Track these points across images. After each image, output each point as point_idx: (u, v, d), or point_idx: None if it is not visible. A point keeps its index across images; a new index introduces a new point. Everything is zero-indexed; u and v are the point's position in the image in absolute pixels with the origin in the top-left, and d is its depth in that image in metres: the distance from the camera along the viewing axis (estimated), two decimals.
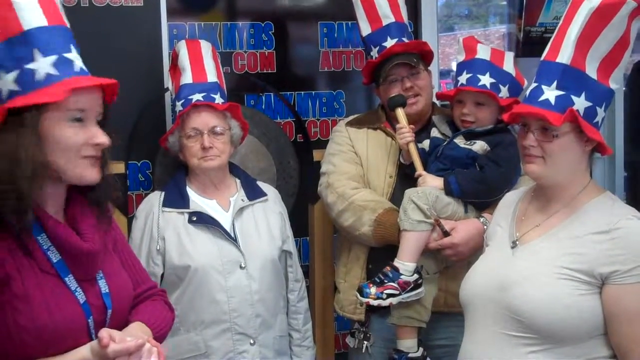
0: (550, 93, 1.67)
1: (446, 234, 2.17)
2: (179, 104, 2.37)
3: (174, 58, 2.53)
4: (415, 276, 2.14)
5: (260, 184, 2.51)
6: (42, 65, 1.43)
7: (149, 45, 2.83)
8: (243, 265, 2.29)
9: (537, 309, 1.63)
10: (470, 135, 2.26)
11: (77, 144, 1.49)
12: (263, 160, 2.78)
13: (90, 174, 1.52)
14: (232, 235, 2.32)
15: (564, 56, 1.67)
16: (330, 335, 2.87)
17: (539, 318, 1.63)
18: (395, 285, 2.10)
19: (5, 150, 1.40)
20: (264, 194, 2.46)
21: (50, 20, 1.46)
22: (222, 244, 2.30)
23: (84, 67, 1.51)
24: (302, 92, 3.12)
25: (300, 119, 3.02)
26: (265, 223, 2.40)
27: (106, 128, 1.56)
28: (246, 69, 3.00)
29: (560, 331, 1.62)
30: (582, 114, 1.65)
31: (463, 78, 2.26)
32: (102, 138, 1.52)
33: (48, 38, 1.45)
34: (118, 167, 2.55)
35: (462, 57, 2.32)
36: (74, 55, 1.49)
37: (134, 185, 2.84)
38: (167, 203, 2.34)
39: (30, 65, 1.42)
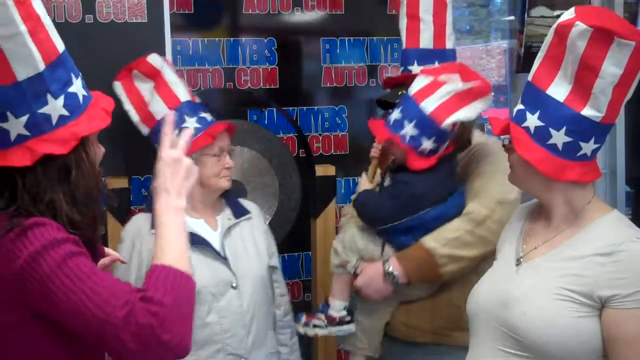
0: (517, 106, 1.68)
1: (356, 275, 2.21)
2: (192, 120, 2.30)
3: (150, 71, 2.45)
4: (343, 313, 2.22)
5: (242, 201, 2.48)
6: (79, 87, 1.45)
7: None
8: (235, 285, 2.25)
9: (535, 329, 1.60)
10: (393, 169, 2.25)
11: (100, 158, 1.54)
12: (265, 175, 2.79)
13: None
14: (223, 255, 2.28)
15: (530, 73, 1.66)
16: (333, 350, 2.87)
17: (537, 338, 1.60)
18: (322, 317, 2.22)
19: (90, 171, 1.45)
20: (248, 211, 2.42)
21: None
22: (214, 265, 2.26)
23: None
24: (305, 108, 3.13)
25: (303, 134, 3.03)
26: (252, 241, 2.38)
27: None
28: (249, 84, 3.02)
29: (558, 352, 1.59)
30: (532, 132, 1.62)
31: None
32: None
33: (70, 59, 1.46)
34: (121, 182, 2.57)
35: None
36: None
37: (137, 199, 2.85)
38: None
39: (72, 89, 1.43)
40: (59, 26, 2.85)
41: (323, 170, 2.75)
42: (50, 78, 1.38)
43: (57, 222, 1.38)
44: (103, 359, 1.52)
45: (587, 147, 1.62)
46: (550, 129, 1.61)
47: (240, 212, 2.39)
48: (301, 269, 3.13)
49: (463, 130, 2.20)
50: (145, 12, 2.82)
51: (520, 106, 1.67)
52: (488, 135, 2.44)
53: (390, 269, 2.13)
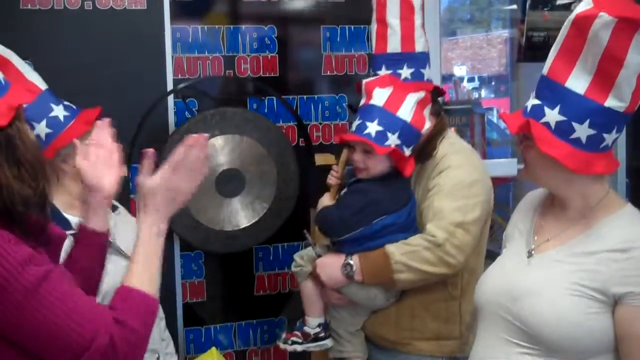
0: (530, 101, 1.65)
1: (319, 256, 2.28)
2: (59, 108, 2.18)
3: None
4: (317, 329, 2.31)
5: None
6: None
7: (152, 49, 2.84)
8: None
9: (545, 324, 1.59)
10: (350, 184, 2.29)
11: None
12: (264, 163, 2.78)
13: None
14: (119, 250, 2.14)
15: (545, 67, 1.63)
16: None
17: (547, 333, 1.59)
18: (299, 334, 2.33)
19: (32, 143, 1.43)
20: (117, 205, 2.33)
21: None
22: (118, 260, 2.11)
23: None
24: (305, 96, 3.12)
25: (302, 123, 3.02)
26: (134, 234, 2.29)
27: None
28: (249, 72, 3.01)
29: (569, 347, 1.58)
30: (552, 128, 1.60)
31: (354, 124, 2.20)
32: None
33: None
34: (120, 171, 2.55)
35: (362, 101, 2.24)
36: None
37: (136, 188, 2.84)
38: None
39: None
40: (58, 13, 2.85)
41: (323, 159, 2.74)
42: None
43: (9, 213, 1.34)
44: None
45: (610, 138, 1.61)
46: (573, 123, 1.58)
47: (112, 206, 2.27)
48: None
49: (427, 142, 2.23)
50: None
51: (536, 101, 1.64)
52: (458, 142, 2.34)
53: (351, 261, 2.17)
